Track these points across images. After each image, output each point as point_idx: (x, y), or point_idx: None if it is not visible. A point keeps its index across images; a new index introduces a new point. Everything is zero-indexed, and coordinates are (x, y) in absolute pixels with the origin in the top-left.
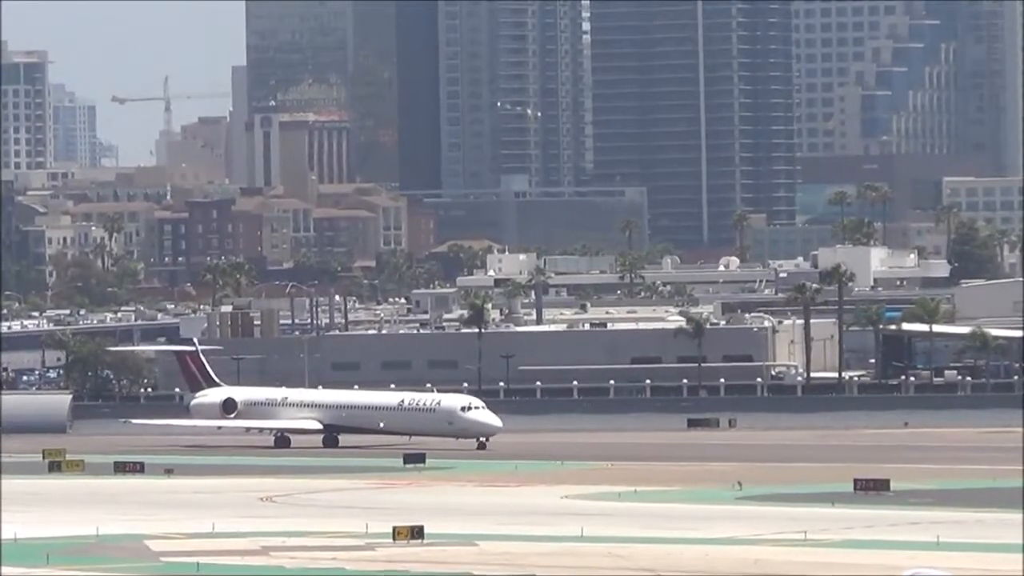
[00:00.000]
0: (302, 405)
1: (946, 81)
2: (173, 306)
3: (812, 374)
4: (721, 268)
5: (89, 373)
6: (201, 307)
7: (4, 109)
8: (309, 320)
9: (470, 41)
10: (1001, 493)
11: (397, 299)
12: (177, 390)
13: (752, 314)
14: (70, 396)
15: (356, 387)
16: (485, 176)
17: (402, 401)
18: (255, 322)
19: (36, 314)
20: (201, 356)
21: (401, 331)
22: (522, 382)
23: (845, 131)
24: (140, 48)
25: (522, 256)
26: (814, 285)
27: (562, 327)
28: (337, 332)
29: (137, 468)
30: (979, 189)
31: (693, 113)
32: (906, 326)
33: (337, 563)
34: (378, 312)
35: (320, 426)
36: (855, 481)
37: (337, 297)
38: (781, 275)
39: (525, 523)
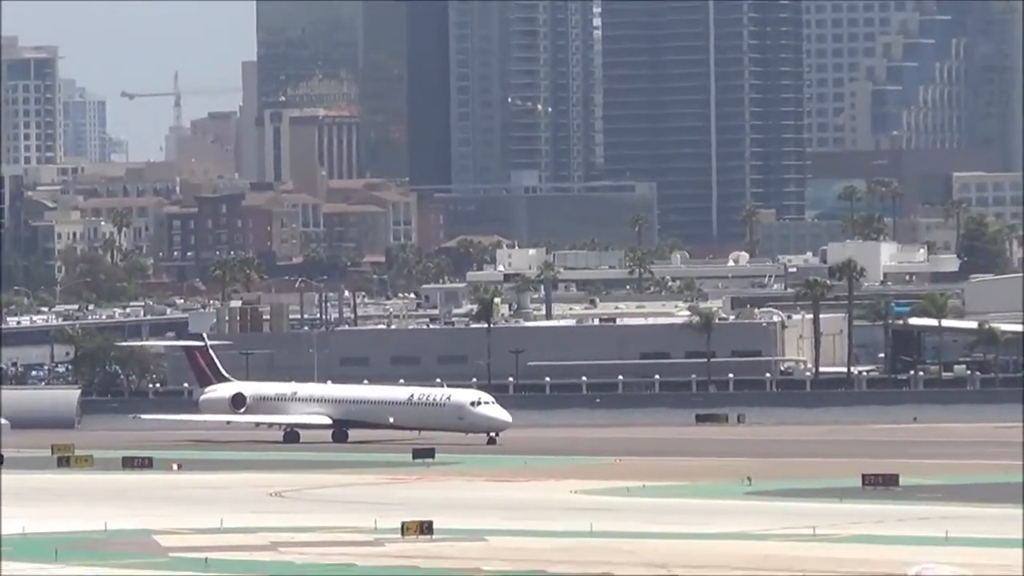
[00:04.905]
0: (311, 400)
1: (956, 76)
2: (182, 301)
3: (821, 369)
4: (730, 263)
5: (98, 368)
6: (210, 302)
7: (14, 104)
8: (318, 315)
9: (480, 36)
10: (1010, 488)
11: (406, 294)
12: (186, 385)
13: (761, 309)
14: (79, 391)
15: (365, 382)
16: (495, 171)
17: (411, 396)
18: (264, 317)
19: (45, 309)
20: (210, 351)
21: (410, 326)
22: (531, 377)
23: (855, 126)
24: (150, 43)
25: (531, 251)
26: (824, 280)
27: (571, 322)
28: (346, 327)
29: (146, 463)
30: (989, 184)
31: (703, 108)
32: (915, 321)
33: (346, 558)
34: (387, 307)
35: (329, 421)
36: (864, 476)
37: (346, 292)
38: (790, 270)
39: (534, 518)
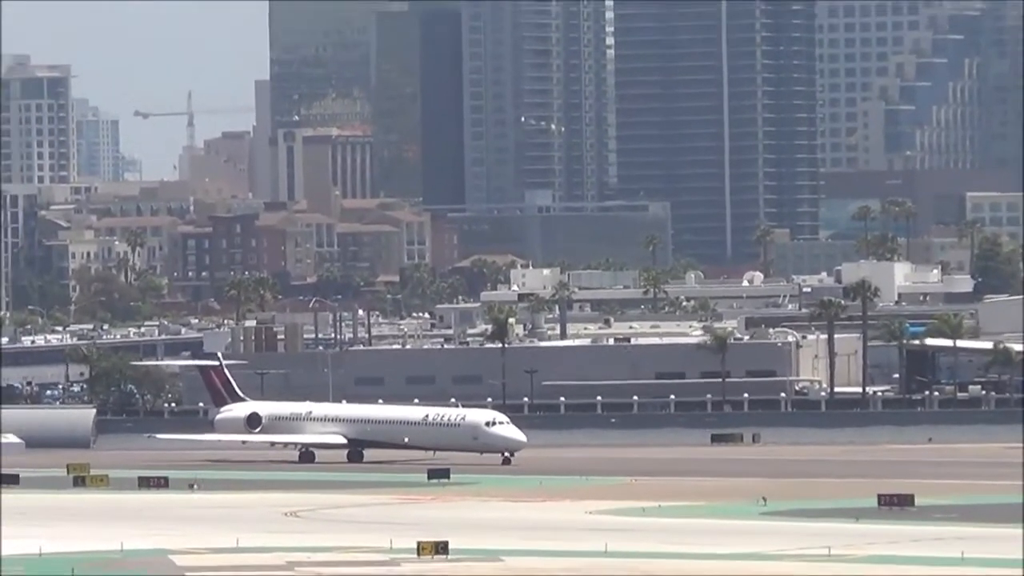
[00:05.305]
0: (326, 420)
1: (970, 96)
2: (197, 321)
3: (836, 389)
4: (745, 283)
5: (113, 388)
6: (225, 322)
7: (27, 124)
8: (333, 335)
9: (494, 55)
10: None
11: (421, 314)
12: (201, 405)
13: (776, 329)
14: (94, 411)
15: (380, 402)
16: (509, 191)
17: (426, 416)
18: (279, 337)
19: (59, 328)
20: (225, 371)
21: (425, 346)
22: (546, 397)
23: (869, 146)
24: (163, 63)
25: (546, 271)
26: (839, 300)
27: (586, 342)
28: (361, 347)
29: (161, 483)
30: (1003, 204)
31: (717, 128)
32: (930, 341)
33: None
34: (402, 327)
35: (344, 441)
36: (879, 496)
37: (361, 312)
38: (805, 290)
39: (549, 538)
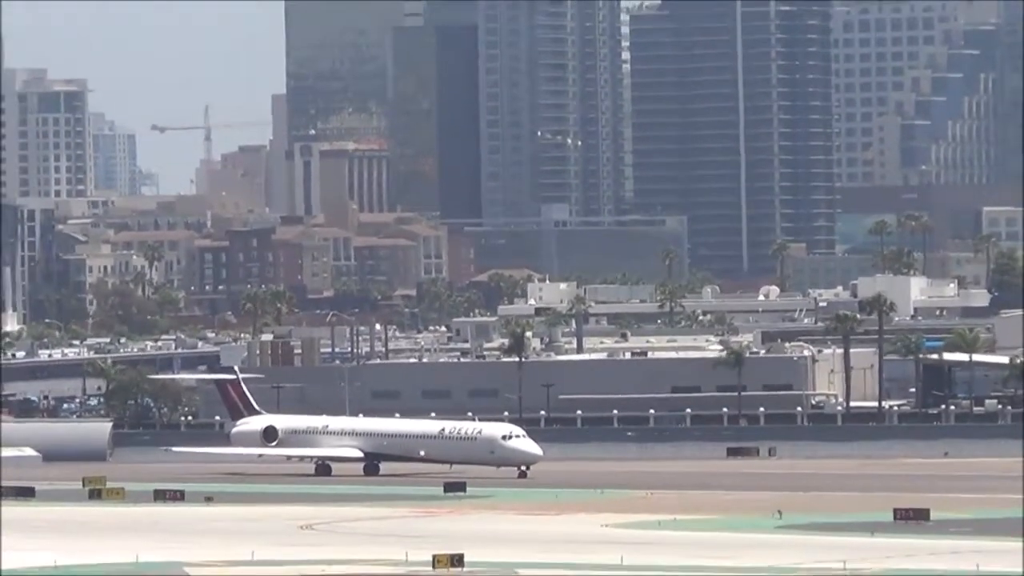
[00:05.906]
0: (343, 433)
1: (985, 111)
2: (214, 334)
3: (852, 403)
4: (761, 297)
5: (129, 401)
6: (242, 335)
7: (44, 138)
8: (350, 348)
9: (510, 70)
10: None
11: (437, 328)
12: (218, 418)
13: (792, 343)
14: (110, 424)
15: (397, 415)
16: (525, 205)
17: (443, 429)
18: (296, 350)
19: (77, 342)
20: (242, 384)
21: (441, 360)
22: (563, 411)
23: (884, 160)
24: (180, 77)
25: (562, 285)
26: (855, 314)
27: (602, 356)
28: (378, 361)
29: (177, 496)
30: (1018, 218)
31: (733, 142)
32: (946, 355)
33: None
34: (419, 341)
35: (361, 454)
36: (895, 510)
37: (377, 326)
38: (821, 304)
39: (565, 551)
